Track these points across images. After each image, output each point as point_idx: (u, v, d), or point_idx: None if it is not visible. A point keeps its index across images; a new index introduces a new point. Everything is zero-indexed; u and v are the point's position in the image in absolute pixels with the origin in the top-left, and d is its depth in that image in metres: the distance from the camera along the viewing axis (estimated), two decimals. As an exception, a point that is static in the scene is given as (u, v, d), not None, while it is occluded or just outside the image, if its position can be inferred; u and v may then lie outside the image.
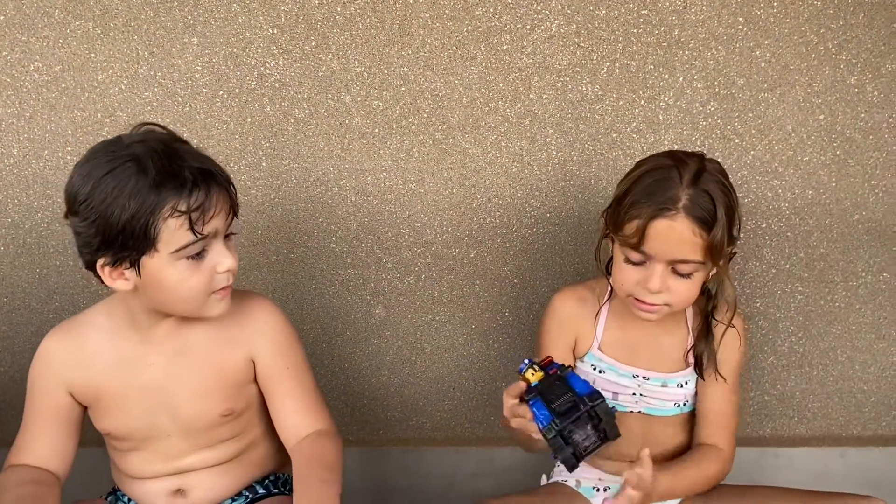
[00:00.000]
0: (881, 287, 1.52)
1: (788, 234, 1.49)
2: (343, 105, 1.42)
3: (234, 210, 1.05)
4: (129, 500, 1.22)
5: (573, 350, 1.28)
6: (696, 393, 1.26)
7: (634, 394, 1.26)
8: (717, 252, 1.11)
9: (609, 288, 1.25)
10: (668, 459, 1.24)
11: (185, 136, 1.36)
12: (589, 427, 1.04)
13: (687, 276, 1.13)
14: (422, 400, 1.56)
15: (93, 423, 1.17)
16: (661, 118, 1.44)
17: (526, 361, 1.07)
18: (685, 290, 1.14)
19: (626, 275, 1.15)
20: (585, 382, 1.07)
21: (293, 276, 1.51)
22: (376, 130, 1.44)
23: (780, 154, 1.46)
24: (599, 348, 1.26)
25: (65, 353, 1.13)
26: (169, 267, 1.01)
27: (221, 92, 1.42)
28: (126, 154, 0.99)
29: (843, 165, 1.46)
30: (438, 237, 1.49)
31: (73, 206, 1.01)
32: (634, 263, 1.14)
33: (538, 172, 1.46)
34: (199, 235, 0.99)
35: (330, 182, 1.47)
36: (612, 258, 1.23)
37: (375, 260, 1.50)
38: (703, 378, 1.24)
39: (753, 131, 1.44)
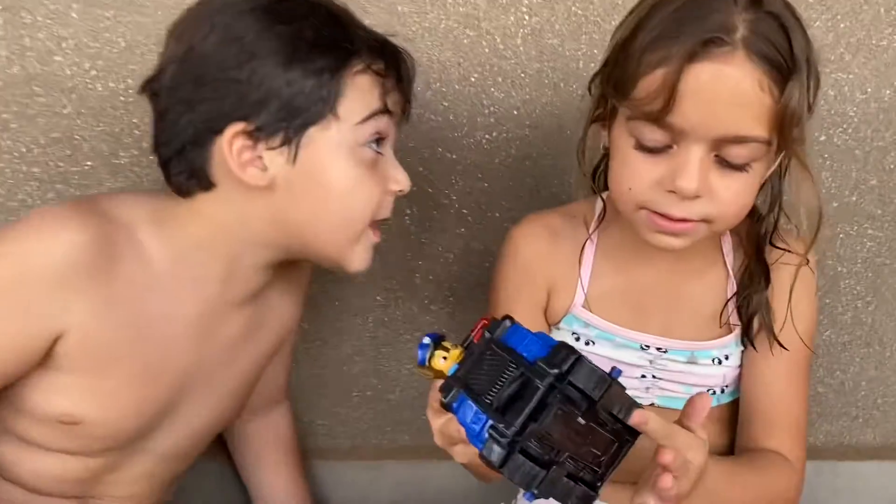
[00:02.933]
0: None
1: (857, 151, 1.16)
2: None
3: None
4: None
5: (545, 311, 0.96)
6: (740, 373, 0.94)
7: (644, 376, 0.94)
8: (791, 125, 0.77)
9: (599, 210, 0.92)
10: None
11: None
12: (579, 420, 0.62)
13: (741, 168, 0.78)
14: (316, 390, 1.23)
15: (38, 391, 0.81)
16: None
17: (425, 340, 0.73)
18: (736, 195, 0.80)
19: (637, 171, 0.80)
20: (540, 337, 0.68)
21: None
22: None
23: (847, 34, 1.12)
24: (586, 305, 0.93)
25: (96, 270, 0.77)
26: (342, 154, 0.80)
27: None
28: None
29: (935, 52, 1.14)
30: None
31: (203, 44, 0.77)
32: (652, 150, 0.79)
33: (501, 47, 1.10)
34: (388, 107, 0.82)
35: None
36: (604, 160, 0.89)
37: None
38: (754, 347, 0.91)
39: (811, 0, 1.10)
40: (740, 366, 0.92)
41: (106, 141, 1.06)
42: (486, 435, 0.62)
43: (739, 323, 0.90)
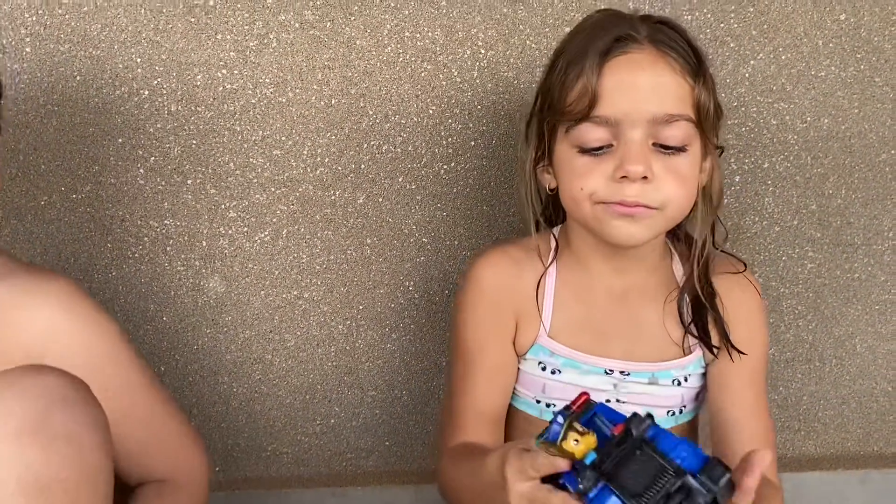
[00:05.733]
0: (911, 252, 1.26)
1: (797, 177, 1.19)
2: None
3: None
4: None
5: (513, 342, 0.95)
6: (699, 392, 0.97)
7: (608, 400, 0.94)
8: (707, 117, 0.85)
9: (553, 244, 0.95)
10: None
11: None
12: None
13: (679, 150, 0.84)
14: (281, 419, 1.20)
15: None
16: (632, 8, 1.08)
17: (559, 418, 0.69)
18: (680, 176, 0.85)
19: (586, 172, 0.85)
20: (688, 444, 0.69)
21: (74, 228, 1.10)
22: (210, 3, 1.04)
23: (788, 66, 1.15)
24: (551, 335, 0.94)
25: None
26: None
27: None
28: None
29: (869, 85, 1.17)
30: (309, 172, 1.11)
31: None
32: (595, 152, 0.85)
33: (458, 79, 1.10)
34: None
35: (136, 80, 1.06)
36: (551, 200, 0.94)
37: (209, 205, 1.11)
38: (714, 354, 0.93)
39: (754, 32, 1.14)
40: (698, 387, 0.94)
41: (62, 176, 1.05)
42: None
43: (698, 342, 0.92)
